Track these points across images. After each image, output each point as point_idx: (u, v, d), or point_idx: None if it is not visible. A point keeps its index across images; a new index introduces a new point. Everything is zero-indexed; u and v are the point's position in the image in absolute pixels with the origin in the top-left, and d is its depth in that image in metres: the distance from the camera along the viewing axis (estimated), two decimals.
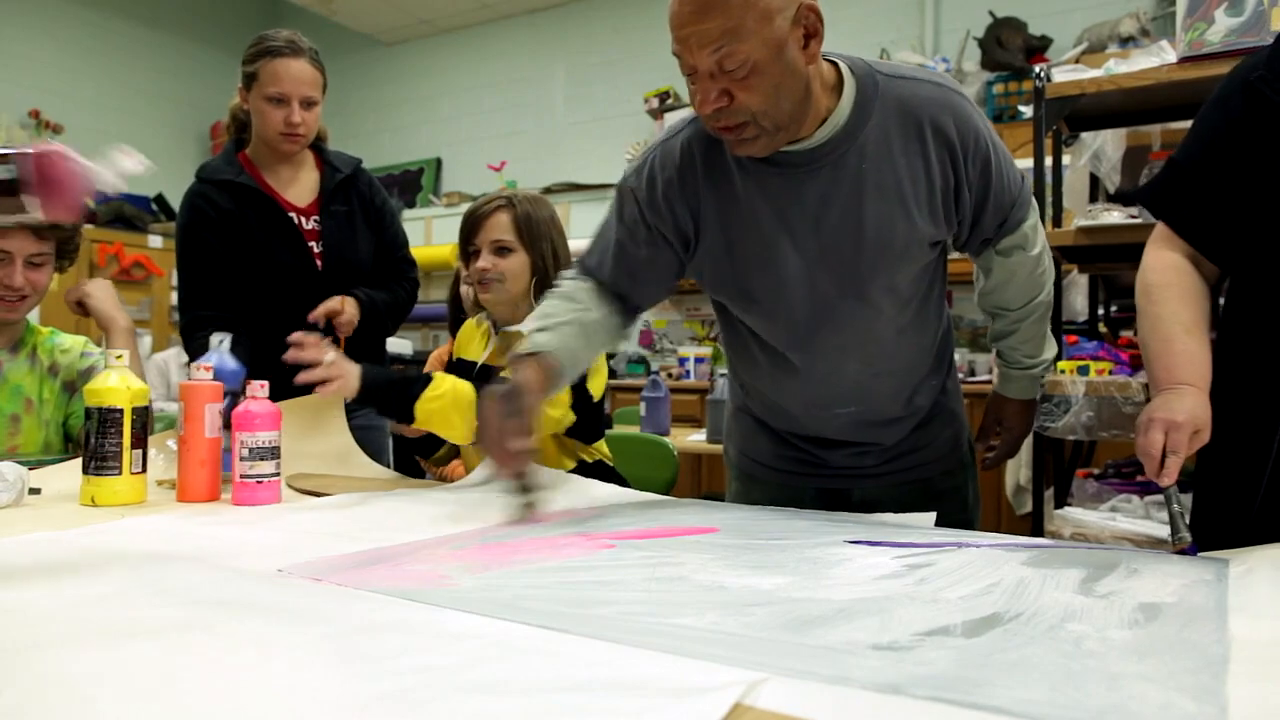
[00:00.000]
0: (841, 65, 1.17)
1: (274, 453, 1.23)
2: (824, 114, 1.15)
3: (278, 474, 1.24)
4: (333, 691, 0.51)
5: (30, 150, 0.82)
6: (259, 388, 1.26)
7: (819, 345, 1.26)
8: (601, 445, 1.71)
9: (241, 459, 1.22)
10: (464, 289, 2.45)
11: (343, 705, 0.49)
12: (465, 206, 7.01)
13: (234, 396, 1.35)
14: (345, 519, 1.12)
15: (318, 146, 1.99)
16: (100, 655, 0.56)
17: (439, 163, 6.51)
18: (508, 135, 6.18)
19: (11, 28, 5.40)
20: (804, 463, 1.39)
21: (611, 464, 1.70)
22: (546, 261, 1.60)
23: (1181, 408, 1.00)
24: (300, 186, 1.94)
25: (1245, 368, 1.10)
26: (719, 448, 2.94)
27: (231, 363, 1.40)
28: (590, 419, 1.61)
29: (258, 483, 1.22)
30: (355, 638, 0.61)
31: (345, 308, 1.82)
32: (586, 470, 1.58)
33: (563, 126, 6.00)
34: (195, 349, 1.81)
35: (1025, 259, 1.32)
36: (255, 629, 0.63)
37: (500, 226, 1.60)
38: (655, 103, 5.35)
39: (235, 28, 6.67)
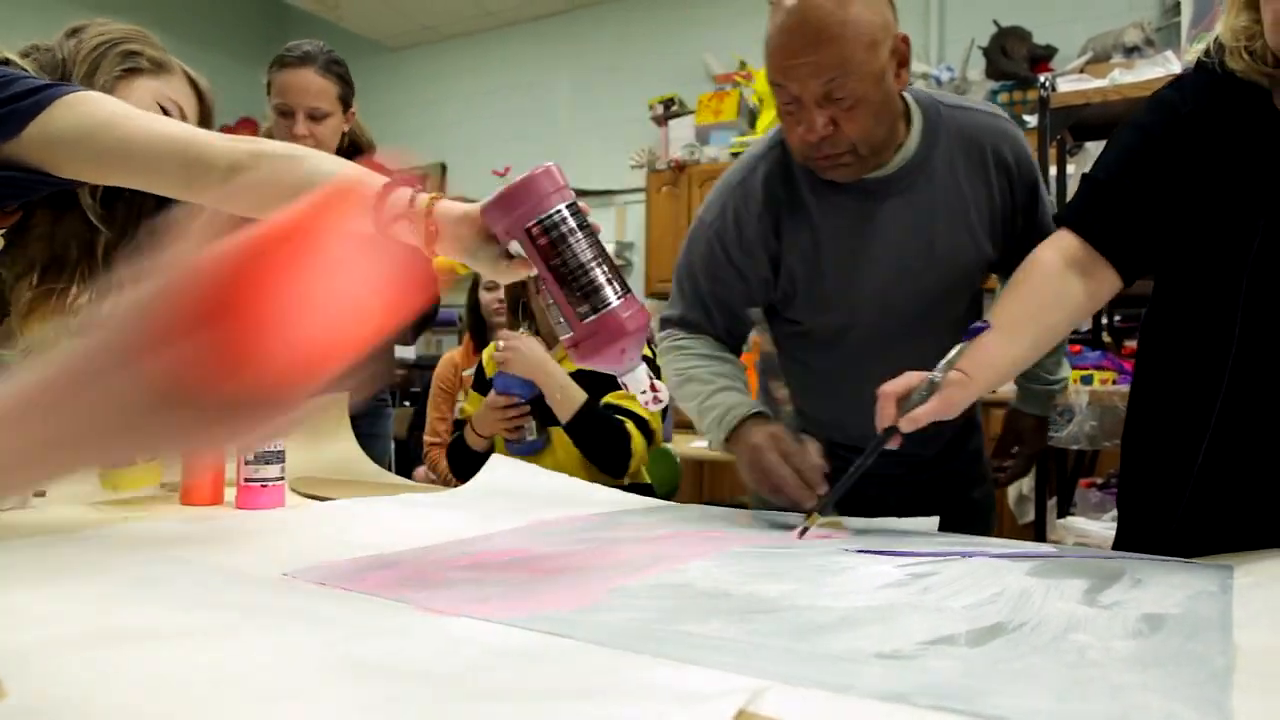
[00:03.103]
0: (907, 95, 1.22)
1: (279, 457, 1.23)
2: (899, 141, 1.20)
3: (282, 478, 1.24)
4: (336, 696, 0.51)
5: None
6: None
7: (886, 361, 1.27)
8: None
9: (246, 462, 1.22)
10: (485, 295, 2.46)
11: (346, 710, 0.49)
12: None
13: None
14: (349, 523, 1.12)
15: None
16: (103, 659, 0.56)
17: (444, 168, 6.53)
18: (512, 141, 6.19)
19: (14, 30, 5.40)
20: (841, 471, 1.40)
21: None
22: None
23: (904, 382, 1.04)
24: None
25: (1168, 377, 1.14)
26: (721, 455, 2.94)
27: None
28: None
29: (262, 487, 1.22)
30: (359, 642, 0.61)
31: None
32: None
33: (567, 133, 6.01)
34: None
35: None
36: (258, 633, 0.63)
37: None
38: (660, 109, 5.37)
39: (239, 31, 6.70)
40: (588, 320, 0.80)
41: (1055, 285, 1.10)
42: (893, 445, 1.03)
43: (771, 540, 1.04)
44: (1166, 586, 0.80)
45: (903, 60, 1.13)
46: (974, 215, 1.24)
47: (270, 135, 1.97)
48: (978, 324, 1.04)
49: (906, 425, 1.00)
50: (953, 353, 1.03)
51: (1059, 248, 1.13)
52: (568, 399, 1.67)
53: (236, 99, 7.20)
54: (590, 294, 0.79)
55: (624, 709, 0.49)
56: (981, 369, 1.03)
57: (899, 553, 0.94)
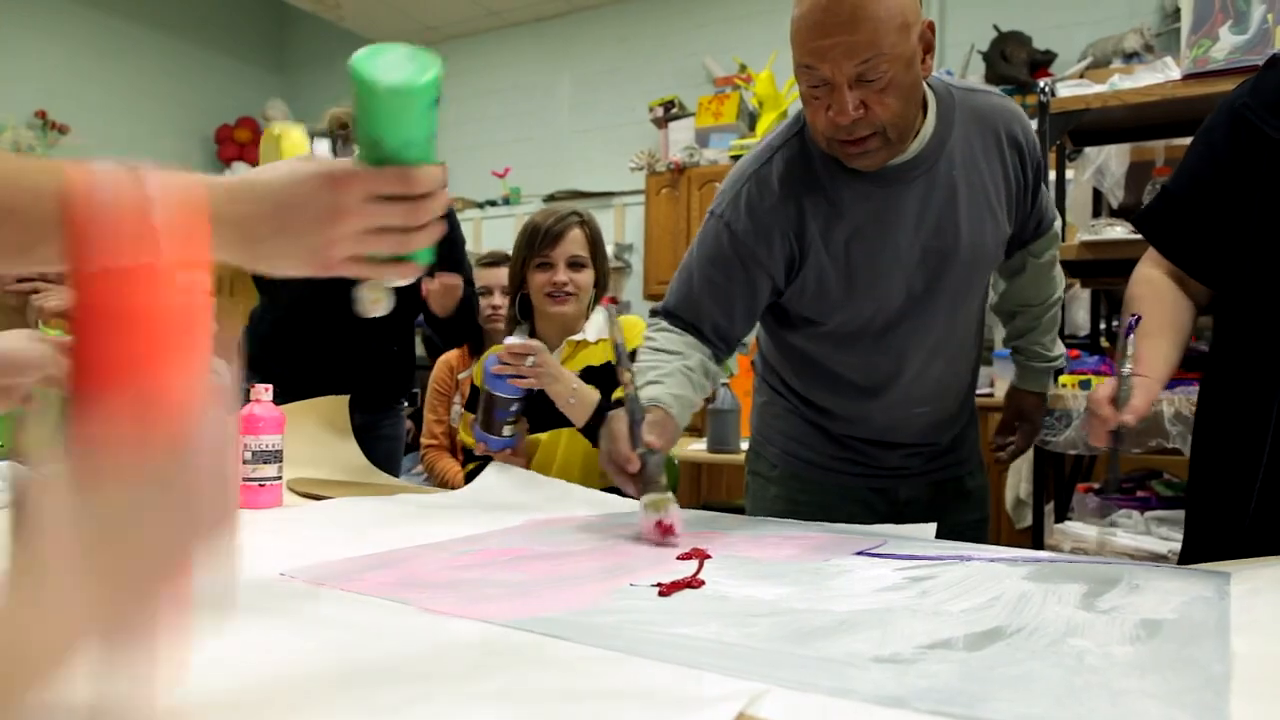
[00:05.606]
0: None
1: (276, 456, 1.23)
2: (918, 126, 1.19)
3: (279, 478, 1.24)
4: (334, 698, 0.51)
5: None
6: (263, 391, 1.26)
7: (913, 346, 1.31)
8: None
9: (244, 462, 1.22)
10: (481, 301, 2.44)
11: (344, 709, 0.49)
12: (470, 213, 6.83)
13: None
14: (347, 523, 1.12)
15: None
16: (97, 659, 0.56)
17: (444, 168, 6.52)
18: (512, 142, 6.19)
19: (18, 28, 5.42)
20: (856, 463, 1.42)
21: None
22: (604, 276, 1.72)
23: (1107, 388, 1.08)
24: None
25: (1232, 385, 1.14)
26: (720, 457, 2.94)
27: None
28: None
29: (259, 486, 1.22)
30: (357, 642, 0.61)
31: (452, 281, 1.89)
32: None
33: (567, 134, 6.01)
34: None
35: (1052, 258, 1.44)
36: (257, 633, 0.63)
37: (577, 242, 1.69)
38: (660, 111, 5.37)
39: (242, 31, 6.69)
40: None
41: (1173, 294, 1.16)
42: (1107, 445, 1.07)
43: (768, 542, 1.04)
44: (1164, 592, 0.80)
45: (928, 47, 1.13)
46: (993, 194, 1.26)
47: (337, 122, 2.07)
48: (1133, 317, 1.10)
49: (1131, 418, 1.04)
50: (1129, 350, 1.08)
51: (1156, 262, 1.19)
52: (582, 402, 1.55)
53: (238, 98, 7.22)
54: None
55: (624, 711, 0.49)
56: (1154, 369, 1.09)
57: (897, 555, 0.94)
